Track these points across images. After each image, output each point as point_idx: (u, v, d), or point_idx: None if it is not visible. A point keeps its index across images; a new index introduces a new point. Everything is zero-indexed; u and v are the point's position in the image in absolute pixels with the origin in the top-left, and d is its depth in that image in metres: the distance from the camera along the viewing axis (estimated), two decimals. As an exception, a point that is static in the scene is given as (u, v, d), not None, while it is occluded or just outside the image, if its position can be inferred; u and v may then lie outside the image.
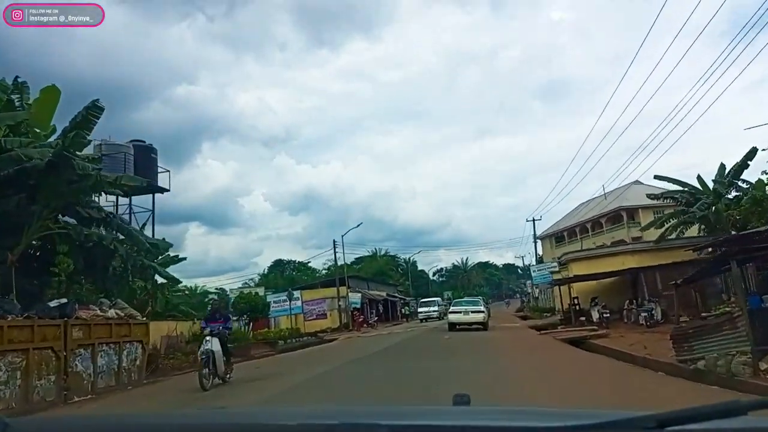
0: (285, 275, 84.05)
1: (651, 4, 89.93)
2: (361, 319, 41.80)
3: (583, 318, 24.21)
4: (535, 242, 55.24)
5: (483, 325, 27.12)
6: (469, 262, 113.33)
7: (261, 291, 32.74)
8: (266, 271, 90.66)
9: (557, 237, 69.82)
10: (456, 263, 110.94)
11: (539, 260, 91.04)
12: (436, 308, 45.32)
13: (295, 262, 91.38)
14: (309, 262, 76.81)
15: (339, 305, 43.08)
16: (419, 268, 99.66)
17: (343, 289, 44.46)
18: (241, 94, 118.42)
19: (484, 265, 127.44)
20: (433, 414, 1.70)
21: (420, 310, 47.08)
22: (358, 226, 44.22)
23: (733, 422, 0.99)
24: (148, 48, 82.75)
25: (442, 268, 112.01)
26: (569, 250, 59.63)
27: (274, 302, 30.45)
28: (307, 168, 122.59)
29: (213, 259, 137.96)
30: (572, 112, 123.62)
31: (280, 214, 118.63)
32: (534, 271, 37.99)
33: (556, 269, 37.68)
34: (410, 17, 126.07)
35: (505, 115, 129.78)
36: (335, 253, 43.51)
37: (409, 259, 79.44)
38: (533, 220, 53.82)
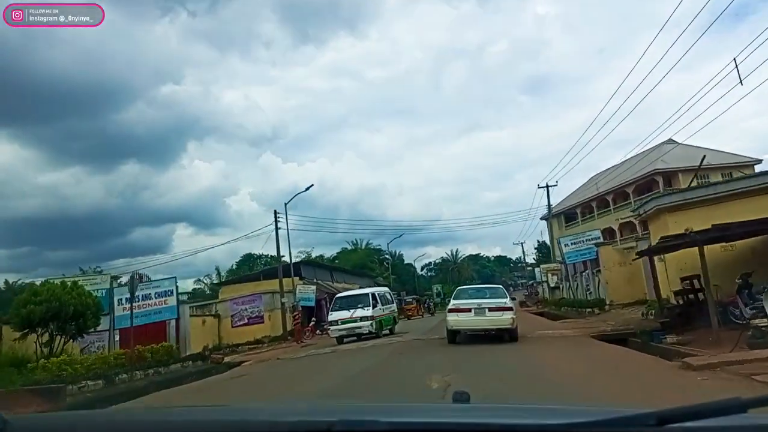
0: (255, 270, 70.75)
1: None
2: (308, 326, 27.66)
3: (748, 319, 10.16)
4: (549, 211, 41.40)
5: (510, 333, 13.81)
6: (459, 255, 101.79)
7: (102, 282, 18.24)
8: (235, 266, 77.96)
9: (567, 215, 56.03)
10: (445, 256, 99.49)
11: (542, 245, 77.51)
12: (368, 313, 19.99)
13: (267, 255, 77.81)
14: (284, 256, 62.85)
15: (282, 303, 28.96)
16: (406, 261, 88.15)
17: (288, 281, 30.39)
18: (227, 92, 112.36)
19: (475, 258, 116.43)
20: (433, 411, 1.65)
21: (332, 317, 20.80)
22: (308, 189, 29.64)
23: (733, 419, 0.96)
24: (131, 46, 79.94)
25: (430, 262, 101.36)
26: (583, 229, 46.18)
27: (126, 300, 16.10)
28: (294, 166, 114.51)
29: (201, 259, 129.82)
30: (559, 106, 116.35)
31: (268, 213, 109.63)
32: (566, 246, 24.19)
33: (600, 239, 24.06)
34: (396, 13, 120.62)
35: (492, 110, 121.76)
36: (276, 228, 29.37)
37: (389, 246, 65.22)
38: (547, 186, 39.87)
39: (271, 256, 73.19)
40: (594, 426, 1.02)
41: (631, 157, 43.59)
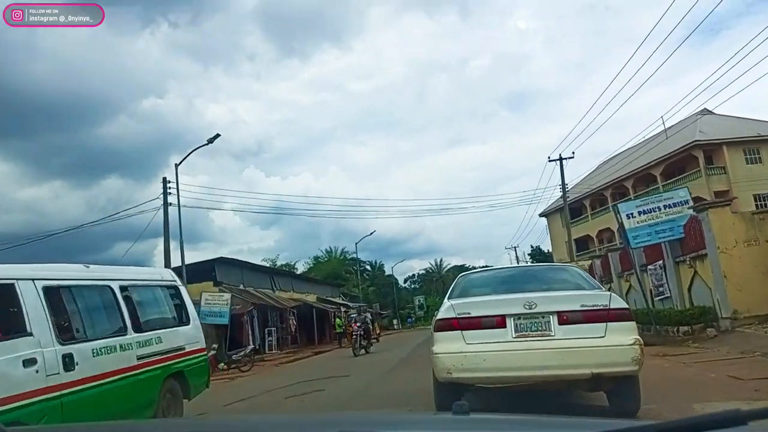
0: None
1: (611, 13, 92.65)
2: (210, 355, 16.84)
3: None
4: (564, 191, 30.98)
5: (624, 392, 4.06)
6: (444, 266, 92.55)
7: None
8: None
9: (573, 208, 45.59)
10: (430, 267, 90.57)
11: (536, 250, 67.16)
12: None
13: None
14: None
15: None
16: (387, 273, 79.12)
17: (192, 288, 19.59)
18: (211, 106, 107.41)
19: (460, 269, 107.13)
20: (432, 423, 1.60)
21: None
22: (211, 141, 18.45)
23: None
24: (112, 59, 73.58)
25: (413, 274, 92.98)
26: (590, 227, 35.70)
27: None
28: (277, 180, 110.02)
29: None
30: (540, 119, 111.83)
31: (251, 228, 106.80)
32: (629, 217, 13.75)
33: (690, 202, 13.69)
34: (380, 27, 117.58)
35: (475, 123, 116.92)
36: (165, 195, 18.55)
37: (356, 246, 54.83)
38: (560, 159, 29.38)
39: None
40: None
41: (650, 137, 33.75)
